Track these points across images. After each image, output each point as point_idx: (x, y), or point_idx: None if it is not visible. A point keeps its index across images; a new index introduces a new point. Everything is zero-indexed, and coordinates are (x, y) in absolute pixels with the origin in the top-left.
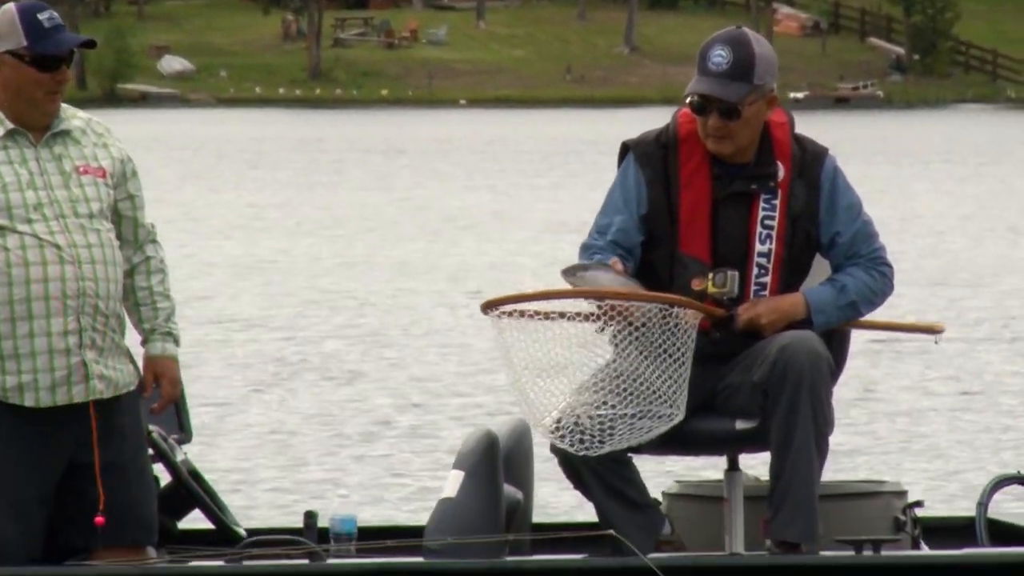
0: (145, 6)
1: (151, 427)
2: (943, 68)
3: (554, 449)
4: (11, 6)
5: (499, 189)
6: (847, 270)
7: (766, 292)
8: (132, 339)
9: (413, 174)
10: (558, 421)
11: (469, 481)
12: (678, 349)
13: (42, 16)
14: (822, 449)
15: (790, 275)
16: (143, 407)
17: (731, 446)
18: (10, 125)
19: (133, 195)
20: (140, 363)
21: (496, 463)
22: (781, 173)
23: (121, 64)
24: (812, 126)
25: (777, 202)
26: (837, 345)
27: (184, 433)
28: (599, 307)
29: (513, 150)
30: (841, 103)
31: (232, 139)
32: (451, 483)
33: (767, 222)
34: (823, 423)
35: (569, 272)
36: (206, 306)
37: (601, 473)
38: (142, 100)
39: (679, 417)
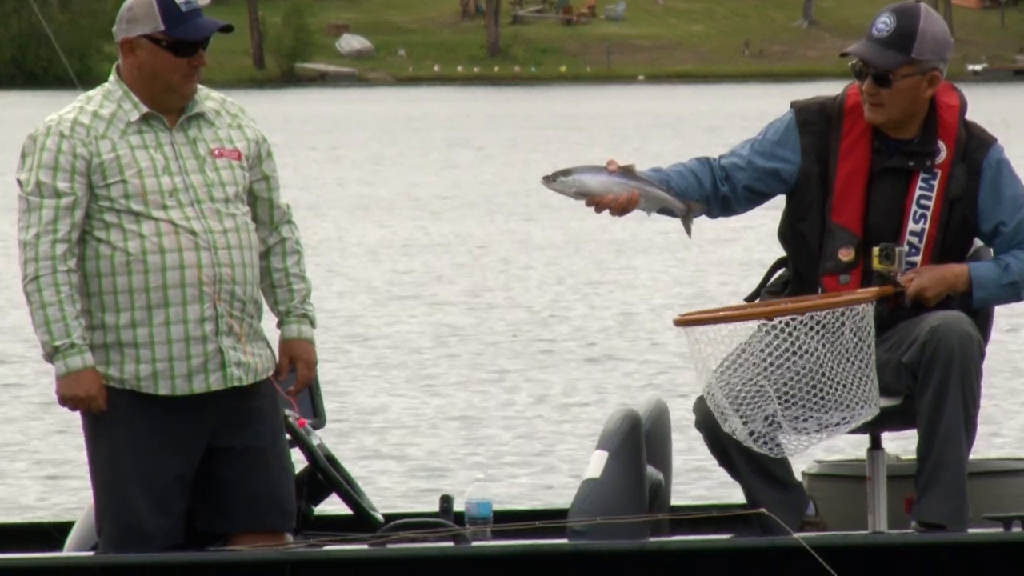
0: None
1: (286, 411)
2: None
3: (700, 426)
4: None
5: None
6: (1012, 252)
7: (968, 264)
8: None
9: (597, 150)
10: (755, 429)
11: (613, 461)
12: (862, 344)
13: (180, 0)
14: (971, 431)
15: (940, 257)
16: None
17: (875, 424)
18: (144, 109)
19: (268, 176)
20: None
21: (640, 443)
22: (943, 154)
23: (300, 43)
24: (990, 100)
25: (936, 182)
26: (982, 324)
27: (318, 418)
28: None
29: (693, 125)
30: (1020, 76)
31: (424, 117)
32: (595, 463)
33: (923, 201)
34: (972, 405)
35: (550, 179)
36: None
37: (749, 451)
38: (320, 79)
39: (875, 412)
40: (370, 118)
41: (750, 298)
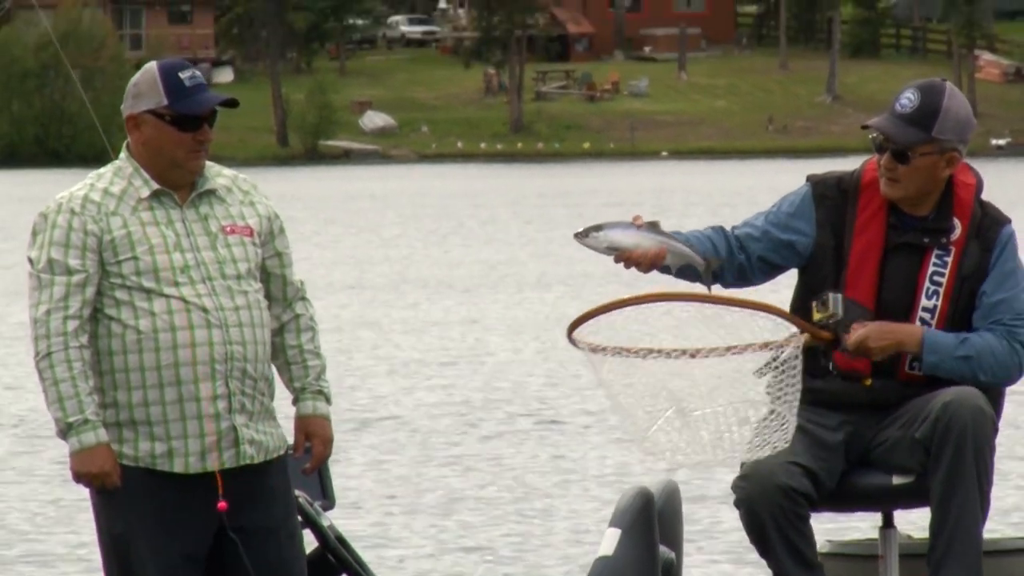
0: (347, 62)
1: (297, 492)
2: None
3: (739, 503)
4: (153, 64)
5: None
6: (983, 329)
7: (925, 327)
8: (281, 400)
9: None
10: (661, 439)
11: (627, 539)
12: (782, 383)
13: (184, 75)
14: (985, 508)
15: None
16: (292, 468)
17: (887, 502)
18: (155, 186)
19: (281, 252)
20: (291, 423)
21: (652, 521)
22: (957, 231)
23: (323, 120)
24: (1014, 174)
25: (949, 259)
26: (994, 399)
27: (327, 499)
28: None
29: (716, 201)
30: None
31: (445, 194)
32: (608, 541)
33: (936, 278)
34: (986, 481)
35: (581, 234)
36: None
37: (785, 529)
38: (344, 156)
39: (782, 446)
40: (394, 195)
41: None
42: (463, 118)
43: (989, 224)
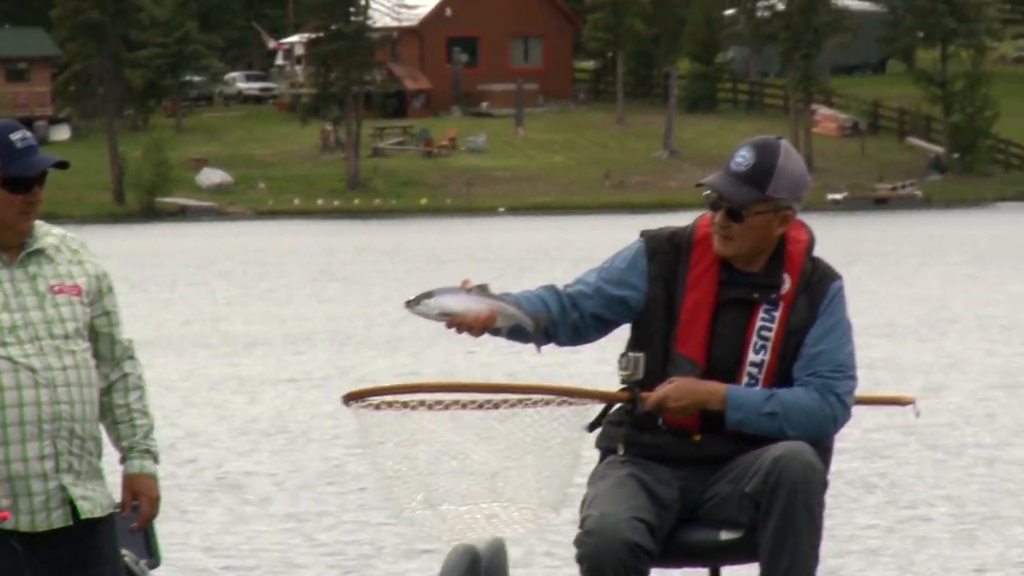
0: (184, 119)
1: (123, 551)
2: (983, 167)
3: (582, 558)
4: None
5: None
6: (797, 382)
7: (730, 385)
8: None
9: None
10: (421, 511)
11: None
12: (563, 446)
13: (14, 136)
14: (814, 564)
15: (780, 388)
16: (119, 527)
17: (716, 557)
18: None
19: (109, 311)
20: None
21: None
22: (786, 286)
23: (160, 177)
24: (849, 229)
25: (777, 313)
26: (823, 455)
27: (153, 558)
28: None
29: (552, 257)
30: (880, 203)
31: (282, 251)
32: None
33: (764, 332)
34: (815, 536)
35: (413, 302)
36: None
37: None
38: (181, 213)
39: (553, 519)
40: (232, 251)
41: (591, 427)
42: (300, 174)
43: (819, 279)
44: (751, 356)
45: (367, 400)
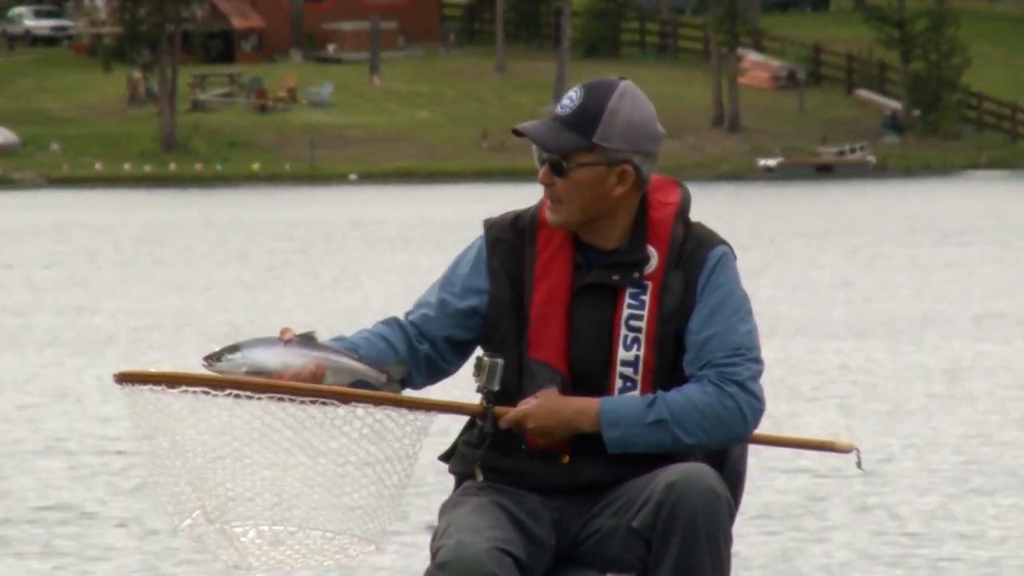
0: None
1: None
2: (950, 126)
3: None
4: None
5: (391, 286)
6: (690, 379)
7: (602, 397)
8: None
9: (293, 268)
10: (204, 526)
11: None
12: (388, 460)
13: None
14: None
15: (668, 388)
16: None
17: None
18: None
19: None
20: None
21: None
22: (654, 261)
23: None
24: (785, 203)
25: (647, 297)
26: (732, 478)
27: None
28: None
29: (417, 235)
30: (823, 171)
31: (67, 227)
32: None
33: (633, 322)
34: None
35: (213, 358)
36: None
37: None
38: None
39: (370, 550)
40: (14, 228)
41: (444, 456)
42: (103, 133)
43: (694, 247)
44: (621, 353)
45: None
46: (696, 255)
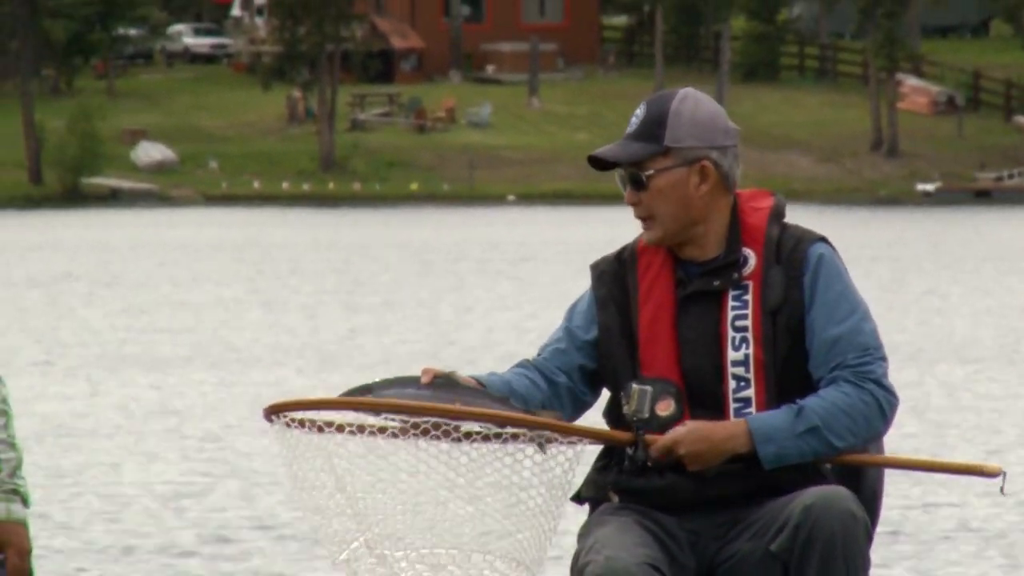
0: (117, 81)
1: None
2: None
3: None
4: None
5: (555, 307)
6: (822, 384)
7: (752, 409)
8: None
9: (452, 289)
10: (363, 557)
11: None
12: (553, 495)
13: None
14: None
15: (783, 386)
16: None
17: None
18: None
19: None
20: None
21: None
22: (752, 262)
23: (87, 153)
24: (944, 227)
25: (749, 296)
26: (869, 500)
27: None
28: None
29: (572, 254)
30: (981, 196)
31: (235, 246)
32: None
33: (739, 322)
34: None
35: (353, 394)
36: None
37: None
38: (112, 198)
39: None
40: (171, 246)
41: (575, 497)
42: (261, 151)
43: (792, 245)
44: (731, 355)
45: (295, 414)
46: (796, 252)
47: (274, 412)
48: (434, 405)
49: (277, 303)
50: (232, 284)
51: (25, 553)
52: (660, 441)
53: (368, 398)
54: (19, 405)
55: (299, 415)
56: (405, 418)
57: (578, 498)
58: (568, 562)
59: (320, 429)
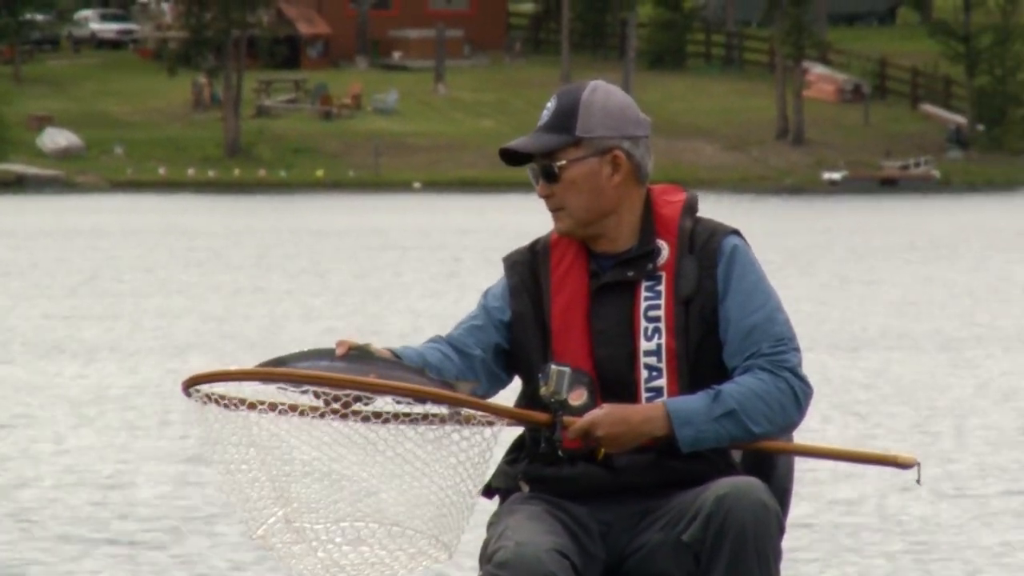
0: (23, 66)
1: None
2: (1015, 142)
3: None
4: None
5: (461, 298)
6: (736, 372)
7: (664, 399)
8: None
9: (350, 278)
10: (280, 532)
11: None
12: (465, 472)
13: None
14: None
15: (696, 375)
16: None
17: None
18: None
19: None
20: None
21: None
22: (665, 253)
23: None
24: (850, 215)
25: (662, 287)
26: (780, 491)
27: None
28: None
29: (481, 246)
30: (888, 185)
31: (138, 231)
32: None
33: (651, 312)
34: None
35: (268, 366)
36: None
37: None
38: (17, 184)
39: (444, 558)
40: (76, 232)
41: (484, 490)
42: (167, 138)
43: (705, 237)
44: (644, 344)
45: (211, 388)
46: (709, 244)
47: (191, 384)
48: (352, 378)
49: (191, 290)
50: (145, 271)
51: None
52: (578, 423)
53: (286, 369)
54: None
55: (218, 388)
56: (325, 390)
57: (488, 490)
58: (477, 552)
59: (237, 405)
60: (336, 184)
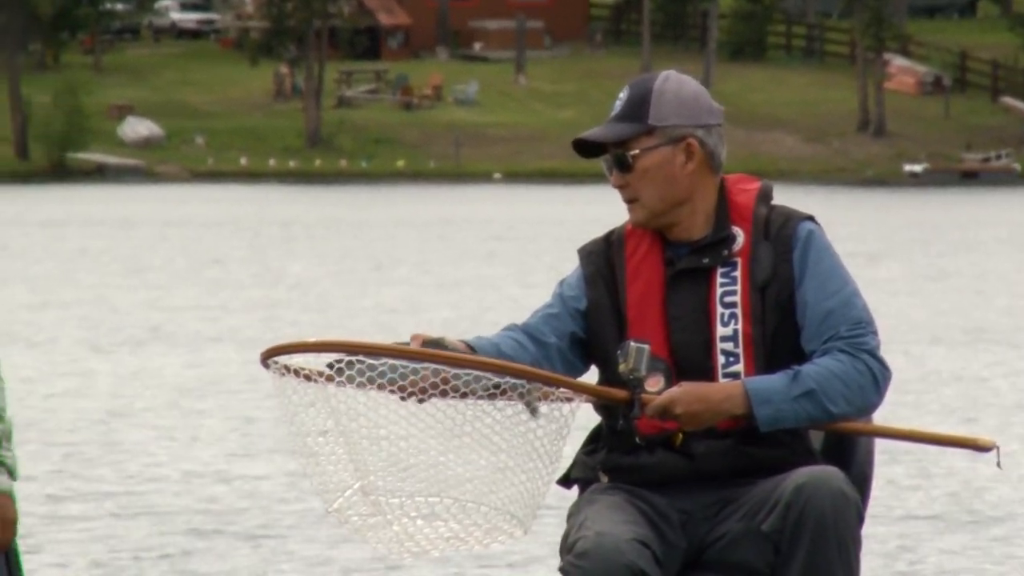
0: (104, 56)
1: None
2: None
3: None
4: None
5: (542, 286)
6: (814, 355)
7: (743, 378)
8: None
9: (434, 269)
10: (356, 504)
11: None
12: (548, 449)
13: None
14: None
15: (772, 361)
16: None
17: None
18: None
19: None
20: None
21: None
22: (740, 239)
23: (73, 128)
24: (931, 209)
25: (738, 273)
26: (859, 480)
27: None
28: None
29: (560, 235)
30: (968, 177)
31: (220, 222)
32: None
33: (727, 298)
34: None
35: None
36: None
37: None
38: (98, 173)
39: (519, 534)
40: (157, 222)
41: (563, 480)
42: (248, 128)
43: (780, 222)
44: (720, 330)
45: (288, 357)
46: (784, 229)
47: (269, 356)
48: (432, 351)
49: (290, 279)
50: (231, 262)
51: (10, 523)
52: (657, 400)
53: (364, 340)
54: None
55: (296, 359)
56: (404, 364)
57: (567, 480)
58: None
59: (315, 378)
60: (416, 175)
